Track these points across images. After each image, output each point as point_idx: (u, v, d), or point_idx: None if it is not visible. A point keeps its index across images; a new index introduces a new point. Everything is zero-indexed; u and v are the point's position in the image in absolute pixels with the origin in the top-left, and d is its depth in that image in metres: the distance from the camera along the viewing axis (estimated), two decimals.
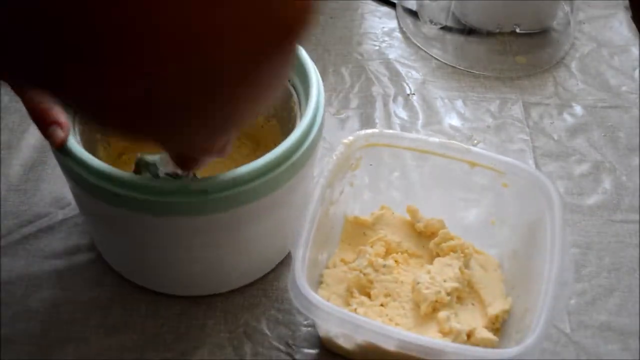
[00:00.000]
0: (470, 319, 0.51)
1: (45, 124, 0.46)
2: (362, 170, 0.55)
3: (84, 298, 0.54)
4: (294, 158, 0.46)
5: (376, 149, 0.55)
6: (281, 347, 0.52)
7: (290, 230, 0.52)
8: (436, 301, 0.49)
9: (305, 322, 0.53)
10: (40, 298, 0.54)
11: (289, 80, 0.54)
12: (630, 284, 0.57)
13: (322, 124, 0.50)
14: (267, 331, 0.53)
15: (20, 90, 0.45)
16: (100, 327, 0.52)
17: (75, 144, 0.46)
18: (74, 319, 0.53)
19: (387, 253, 0.54)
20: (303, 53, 0.52)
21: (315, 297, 0.44)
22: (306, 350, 0.52)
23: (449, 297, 0.50)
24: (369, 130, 0.54)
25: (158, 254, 0.51)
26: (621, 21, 0.82)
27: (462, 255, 0.53)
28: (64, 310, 0.53)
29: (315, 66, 0.52)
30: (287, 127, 0.54)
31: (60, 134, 0.46)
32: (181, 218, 0.46)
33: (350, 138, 0.53)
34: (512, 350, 0.42)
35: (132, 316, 0.53)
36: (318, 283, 0.53)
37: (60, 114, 0.46)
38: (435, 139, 0.54)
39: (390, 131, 0.56)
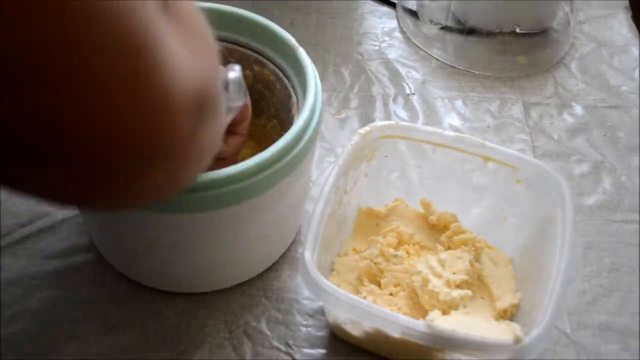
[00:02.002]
0: (479, 313, 0.51)
1: None
2: (377, 161, 0.56)
3: (84, 298, 0.54)
4: (291, 155, 0.46)
5: (392, 140, 0.55)
6: (281, 347, 0.52)
7: (288, 227, 0.53)
8: (444, 302, 0.50)
9: (305, 323, 0.53)
10: (40, 298, 0.54)
11: (289, 81, 0.54)
12: (630, 284, 0.57)
13: (319, 122, 0.50)
14: (267, 331, 0.53)
15: None
16: (101, 327, 0.52)
17: None
18: (74, 319, 0.53)
19: (399, 244, 0.55)
20: (303, 55, 0.52)
21: (325, 281, 0.44)
22: (306, 351, 0.52)
23: (456, 295, 0.50)
24: (385, 122, 0.55)
25: (155, 251, 0.51)
26: (621, 21, 0.82)
27: (473, 249, 0.53)
28: (64, 310, 0.53)
29: (313, 66, 0.52)
30: (286, 127, 0.54)
31: None
32: (178, 215, 0.46)
33: (367, 128, 0.54)
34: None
35: (132, 316, 0.53)
36: (329, 270, 0.53)
37: None
38: (450, 133, 0.55)
39: (407, 123, 0.56)
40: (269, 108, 0.59)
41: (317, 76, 0.51)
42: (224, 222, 0.48)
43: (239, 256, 0.53)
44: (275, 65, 0.55)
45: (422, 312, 0.50)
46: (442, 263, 0.52)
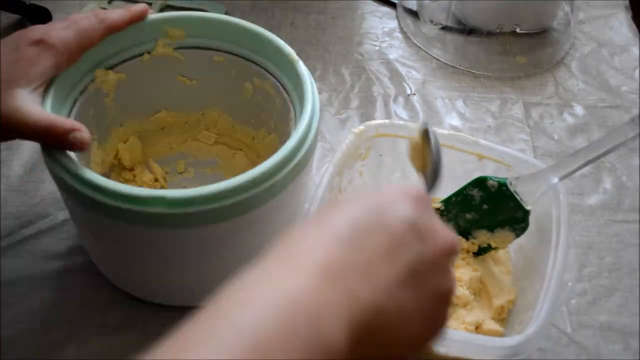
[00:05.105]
0: (478, 311, 0.51)
1: (60, 135, 0.45)
2: (371, 160, 0.56)
3: (84, 298, 0.54)
4: (289, 167, 0.46)
5: (386, 139, 0.55)
6: None
7: None
8: (458, 297, 0.50)
9: None
10: (41, 298, 0.54)
11: (288, 95, 0.54)
12: (630, 284, 0.57)
13: (316, 134, 0.49)
14: None
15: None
16: (101, 327, 0.52)
17: (65, 152, 0.45)
18: (75, 320, 0.53)
19: None
20: (302, 69, 0.51)
21: None
22: None
23: (469, 293, 0.51)
24: (379, 121, 0.55)
25: (154, 266, 0.51)
26: (621, 21, 0.82)
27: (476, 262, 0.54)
28: (65, 311, 0.53)
29: (312, 80, 0.51)
30: (285, 140, 0.54)
31: (82, 135, 0.45)
32: (178, 231, 0.45)
33: (361, 127, 0.54)
34: (512, 340, 0.43)
35: (132, 316, 0.53)
36: None
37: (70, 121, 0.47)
38: (444, 131, 0.55)
39: (400, 122, 0.56)
40: (268, 121, 0.58)
41: (316, 91, 0.51)
42: (221, 236, 0.47)
43: (238, 270, 0.52)
44: (276, 79, 0.55)
45: None
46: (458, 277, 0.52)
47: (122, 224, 0.45)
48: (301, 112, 0.49)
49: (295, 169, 0.47)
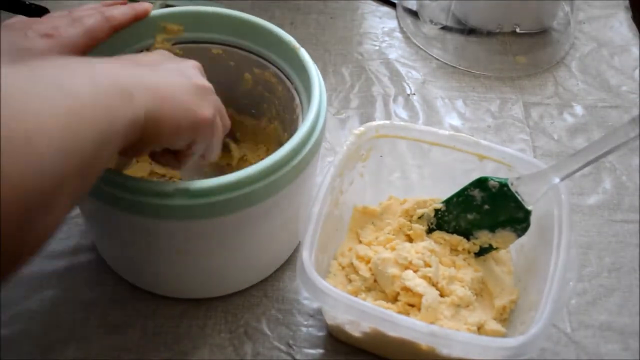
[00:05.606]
0: (480, 312, 0.51)
1: None
2: (372, 161, 0.56)
3: (84, 298, 0.54)
4: (297, 159, 0.46)
5: (386, 140, 0.55)
6: (282, 347, 0.52)
7: (293, 233, 0.53)
8: (461, 298, 0.50)
9: (305, 323, 0.53)
10: (41, 298, 0.54)
11: (291, 83, 0.54)
12: (630, 284, 0.57)
13: (324, 125, 0.50)
14: (267, 331, 0.53)
15: None
16: (101, 327, 0.52)
17: None
18: (75, 319, 0.53)
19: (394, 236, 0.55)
20: (305, 55, 0.52)
21: (323, 282, 0.44)
22: (307, 351, 0.52)
23: (471, 294, 0.51)
24: (380, 122, 0.55)
25: (162, 258, 0.51)
26: (621, 21, 0.82)
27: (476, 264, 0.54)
28: (65, 311, 0.53)
29: (317, 68, 0.52)
30: (289, 129, 0.54)
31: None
32: (181, 221, 0.45)
33: (361, 129, 0.54)
34: (515, 340, 0.43)
35: (132, 316, 0.53)
36: (327, 271, 0.53)
37: None
38: (444, 131, 0.55)
39: (401, 123, 0.56)
40: (270, 110, 0.58)
41: (320, 76, 0.51)
42: (227, 229, 0.48)
43: (245, 262, 0.53)
44: (277, 67, 0.55)
45: (422, 313, 0.50)
46: (460, 278, 0.52)
47: (139, 217, 0.45)
48: (308, 97, 0.50)
49: (311, 150, 0.47)
